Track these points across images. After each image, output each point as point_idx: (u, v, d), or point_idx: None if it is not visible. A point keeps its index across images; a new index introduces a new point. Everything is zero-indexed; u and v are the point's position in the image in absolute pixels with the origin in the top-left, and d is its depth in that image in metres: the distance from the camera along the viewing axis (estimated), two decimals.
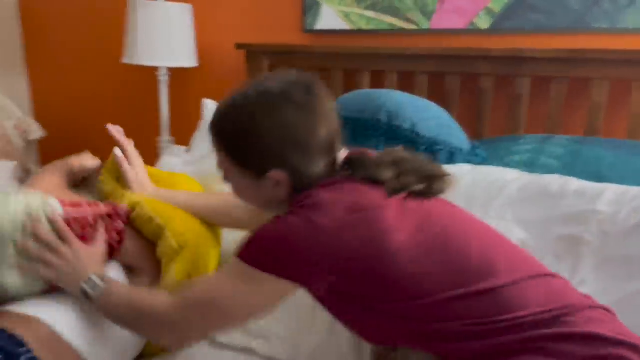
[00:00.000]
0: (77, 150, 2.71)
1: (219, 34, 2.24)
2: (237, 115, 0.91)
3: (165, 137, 2.27)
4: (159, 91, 2.22)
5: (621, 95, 1.61)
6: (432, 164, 0.97)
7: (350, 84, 1.92)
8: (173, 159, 1.76)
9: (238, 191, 0.99)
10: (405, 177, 0.90)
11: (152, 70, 2.23)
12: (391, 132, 1.40)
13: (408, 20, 1.85)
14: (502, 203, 1.21)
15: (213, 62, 2.27)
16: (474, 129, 1.73)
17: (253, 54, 2.10)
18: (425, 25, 1.83)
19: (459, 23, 1.78)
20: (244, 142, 0.91)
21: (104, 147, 2.69)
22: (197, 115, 1.94)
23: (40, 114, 2.80)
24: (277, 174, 0.90)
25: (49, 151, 2.79)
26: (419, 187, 0.91)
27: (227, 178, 0.98)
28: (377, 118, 1.42)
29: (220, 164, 0.97)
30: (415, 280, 0.82)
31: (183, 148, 1.89)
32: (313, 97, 0.90)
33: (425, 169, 0.94)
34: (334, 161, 0.94)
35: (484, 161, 1.43)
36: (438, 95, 1.76)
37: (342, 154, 0.96)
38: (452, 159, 1.40)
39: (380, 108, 1.43)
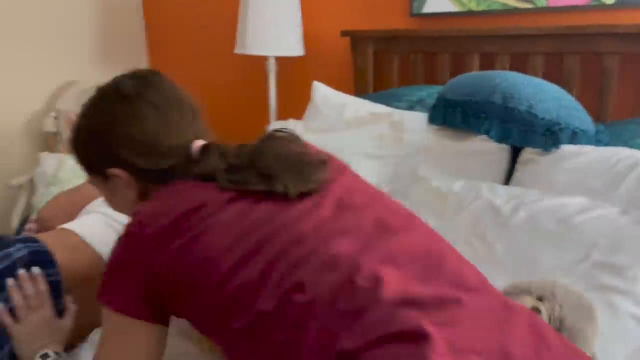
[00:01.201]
0: None
1: (325, 21, 2.27)
2: (79, 122, 0.89)
3: (273, 123, 2.36)
4: (268, 80, 2.30)
5: None
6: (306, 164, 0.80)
7: (458, 68, 1.86)
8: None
9: (106, 200, 0.94)
10: (241, 173, 0.78)
11: (262, 60, 2.32)
12: (506, 114, 1.33)
13: None
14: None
15: (319, 50, 2.31)
16: (594, 112, 1.61)
17: (358, 40, 2.11)
18: (542, 3, 1.72)
19: None
20: (80, 150, 0.89)
21: (219, 133, 2.86)
22: (303, 102, 1.99)
23: None
24: (114, 171, 0.85)
25: None
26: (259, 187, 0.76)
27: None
28: (491, 100, 1.36)
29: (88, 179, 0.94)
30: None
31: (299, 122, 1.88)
32: (140, 87, 0.86)
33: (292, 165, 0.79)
34: (184, 154, 0.84)
35: (607, 145, 1.32)
36: (553, 77, 1.66)
37: (197, 144, 0.85)
38: (574, 140, 1.31)
39: (494, 89, 1.37)
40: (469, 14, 1.87)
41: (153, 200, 0.79)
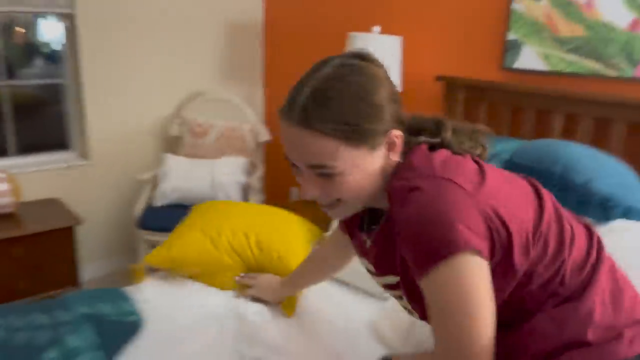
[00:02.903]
0: None
1: (423, 65, 2.46)
2: (339, 90, 0.81)
3: None
4: None
5: None
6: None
7: (542, 125, 1.98)
8: None
9: (347, 183, 0.84)
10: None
11: None
12: (563, 183, 1.45)
13: (611, 66, 1.83)
14: None
15: (415, 90, 2.50)
16: None
17: (451, 86, 2.28)
18: (629, 72, 1.79)
19: None
20: (357, 112, 0.81)
21: None
22: None
23: (270, 121, 3.37)
24: (395, 133, 0.85)
25: (271, 153, 3.35)
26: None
27: (328, 177, 0.84)
28: (552, 170, 1.49)
29: (323, 160, 0.82)
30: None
31: None
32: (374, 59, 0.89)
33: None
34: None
35: None
36: (632, 146, 1.73)
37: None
38: (629, 216, 1.40)
39: (557, 160, 1.50)
40: (557, 74, 1.98)
41: (444, 166, 0.84)
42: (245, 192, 2.86)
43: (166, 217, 2.64)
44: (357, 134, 0.81)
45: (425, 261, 0.77)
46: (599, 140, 1.83)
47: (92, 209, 2.90)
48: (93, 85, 2.76)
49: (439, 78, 2.31)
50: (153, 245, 2.70)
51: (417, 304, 0.90)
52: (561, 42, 1.95)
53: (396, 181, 0.85)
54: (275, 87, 3.35)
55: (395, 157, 0.87)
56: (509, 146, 1.87)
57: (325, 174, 0.83)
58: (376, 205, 0.93)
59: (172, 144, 3.07)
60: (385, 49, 2.33)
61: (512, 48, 2.09)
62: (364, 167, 0.84)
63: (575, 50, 1.92)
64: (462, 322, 0.76)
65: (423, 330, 1.27)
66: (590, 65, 1.88)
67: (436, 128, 0.93)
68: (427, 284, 0.79)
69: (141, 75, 2.92)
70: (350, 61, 0.85)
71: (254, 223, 1.66)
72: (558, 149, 1.54)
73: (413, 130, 0.92)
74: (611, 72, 1.84)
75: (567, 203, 1.46)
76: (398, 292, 0.96)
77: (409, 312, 1.01)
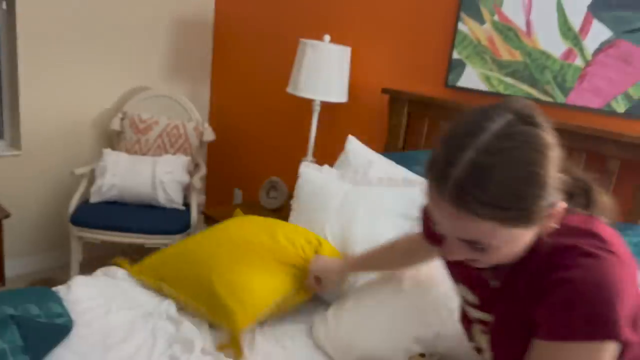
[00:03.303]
0: (236, 155, 3.21)
1: (369, 76, 2.51)
2: (503, 169, 0.72)
3: (309, 158, 2.61)
4: (312, 119, 2.56)
5: None
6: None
7: None
8: (317, 172, 1.99)
9: (497, 255, 0.80)
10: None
11: (309, 101, 2.58)
12: None
13: (545, 92, 1.95)
14: None
15: (360, 101, 2.55)
16: None
17: (396, 98, 2.34)
18: (561, 99, 1.91)
19: (594, 102, 1.84)
20: (523, 194, 0.73)
21: (259, 158, 3.15)
22: (338, 143, 2.23)
23: (214, 121, 3.33)
24: (559, 206, 0.77)
25: (215, 153, 3.31)
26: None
27: (481, 250, 0.79)
28: None
29: (478, 238, 0.76)
30: None
31: (332, 169, 2.11)
32: (539, 113, 0.79)
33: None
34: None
35: None
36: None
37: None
38: None
39: None
40: (496, 94, 2.08)
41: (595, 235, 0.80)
42: (187, 192, 2.81)
43: (101, 214, 2.56)
44: (517, 216, 0.74)
45: (569, 330, 0.75)
46: None
47: (22, 202, 2.77)
48: (29, 71, 2.63)
49: (384, 91, 2.37)
50: (86, 242, 2.60)
51: (501, 349, 0.91)
52: (501, 65, 2.05)
53: (561, 239, 0.80)
54: (222, 87, 3.32)
55: (554, 225, 0.80)
56: None
57: (477, 248, 0.78)
58: None
59: (113, 139, 2.98)
60: (334, 58, 2.36)
61: (456, 67, 2.18)
62: (522, 240, 0.78)
63: (513, 73, 2.02)
64: None
65: None
66: (526, 89, 1.99)
67: (585, 192, 0.89)
68: (554, 350, 0.77)
69: (82, 66, 2.82)
70: (515, 128, 0.74)
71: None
72: None
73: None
74: (545, 98, 1.95)
75: None
76: (484, 329, 0.97)
77: (477, 350, 1.03)
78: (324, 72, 2.37)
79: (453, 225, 0.77)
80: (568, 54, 1.88)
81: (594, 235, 0.80)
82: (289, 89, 2.48)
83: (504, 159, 0.72)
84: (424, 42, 2.30)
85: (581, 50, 1.84)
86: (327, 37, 2.43)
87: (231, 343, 1.36)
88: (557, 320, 0.77)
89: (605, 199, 0.89)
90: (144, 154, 2.86)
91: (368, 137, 2.36)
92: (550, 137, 0.76)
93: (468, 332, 1.07)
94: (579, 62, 1.85)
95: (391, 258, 1.41)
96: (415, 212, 1.66)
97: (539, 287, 0.81)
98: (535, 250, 0.82)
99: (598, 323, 0.73)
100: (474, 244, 0.78)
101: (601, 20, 1.79)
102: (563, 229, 0.81)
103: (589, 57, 1.83)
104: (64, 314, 1.32)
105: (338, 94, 2.42)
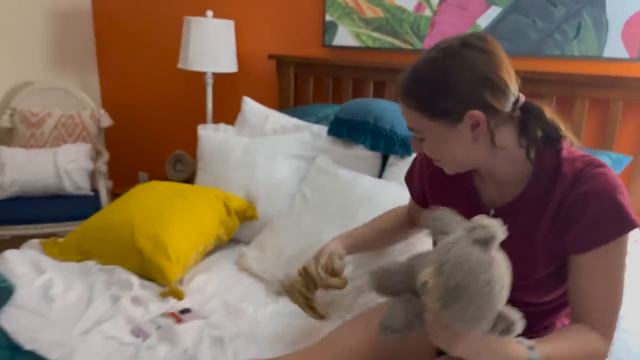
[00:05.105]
0: (137, 138, 3.28)
1: (255, 45, 2.72)
2: (425, 72, 0.93)
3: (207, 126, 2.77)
4: (206, 91, 2.72)
5: (566, 111, 1.99)
6: None
7: (357, 91, 2.37)
8: (215, 132, 2.22)
9: (434, 148, 0.98)
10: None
11: (201, 74, 2.74)
12: (376, 130, 1.85)
13: (405, 41, 2.28)
14: None
15: (250, 69, 2.75)
16: None
17: (282, 63, 2.58)
18: (418, 45, 2.25)
19: None
20: (435, 93, 0.92)
21: (160, 136, 3.25)
22: (234, 111, 2.43)
23: (109, 106, 3.37)
24: (474, 114, 0.91)
25: (114, 138, 3.36)
26: None
27: (421, 140, 0.99)
28: (366, 120, 1.87)
29: (414, 125, 0.97)
30: None
31: (229, 126, 2.33)
32: (488, 43, 0.94)
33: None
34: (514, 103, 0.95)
35: None
36: None
37: (522, 96, 0.98)
38: None
39: (369, 113, 1.88)
40: (367, 49, 2.38)
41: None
42: (93, 179, 2.87)
43: (8, 210, 2.56)
44: (430, 108, 0.93)
45: (603, 235, 0.90)
46: None
47: None
48: None
49: (270, 57, 2.59)
50: None
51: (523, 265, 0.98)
52: (367, 22, 2.35)
53: (568, 163, 0.95)
54: (112, 73, 3.35)
55: (481, 137, 0.94)
56: (334, 109, 2.23)
57: (418, 138, 0.99)
58: (499, 177, 1.02)
59: (5, 136, 2.93)
60: (219, 31, 2.53)
61: (329, 28, 2.45)
62: (450, 139, 0.94)
63: (378, 28, 2.33)
64: (621, 294, 0.93)
65: None
66: (391, 40, 2.31)
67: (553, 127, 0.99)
68: (593, 259, 0.92)
69: None
70: (452, 49, 0.93)
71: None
72: (370, 104, 1.92)
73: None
74: (406, 46, 2.28)
75: (380, 145, 1.85)
76: None
77: None
78: (211, 46, 2.53)
79: (404, 115, 0.99)
80: (419, 7, 2.22)
81: (583, 155, 0.97)
82: (180, 65, 2.62)
83: (428, 65, 0.94)
84: (300, 8, 2.55)
85: (428, 2, 2.19)
86: (209, 13, 2.59)
87: (170, 292, 1.53)
88: (591, 232, 0.91)
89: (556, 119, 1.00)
90: (41, 147, 2.86)
91: (261, 101, 2.57)
92: (478, 57, 0.91)
93: None
94: (428, 12, 2.20)
95: (379, 238, 1.39)
96: (307, 153, 1.95)
97: (563, 206, 0.94)
98: (537, 175, 0.98)
99: (621, 220, 0.90)
100: (417, 133, 0.99)
101: None
102: (568, 156, 0.97)
103: (435, 8, 2.18)
104: (4, 279, 1.42)
105: (228, 64, 2.60)
